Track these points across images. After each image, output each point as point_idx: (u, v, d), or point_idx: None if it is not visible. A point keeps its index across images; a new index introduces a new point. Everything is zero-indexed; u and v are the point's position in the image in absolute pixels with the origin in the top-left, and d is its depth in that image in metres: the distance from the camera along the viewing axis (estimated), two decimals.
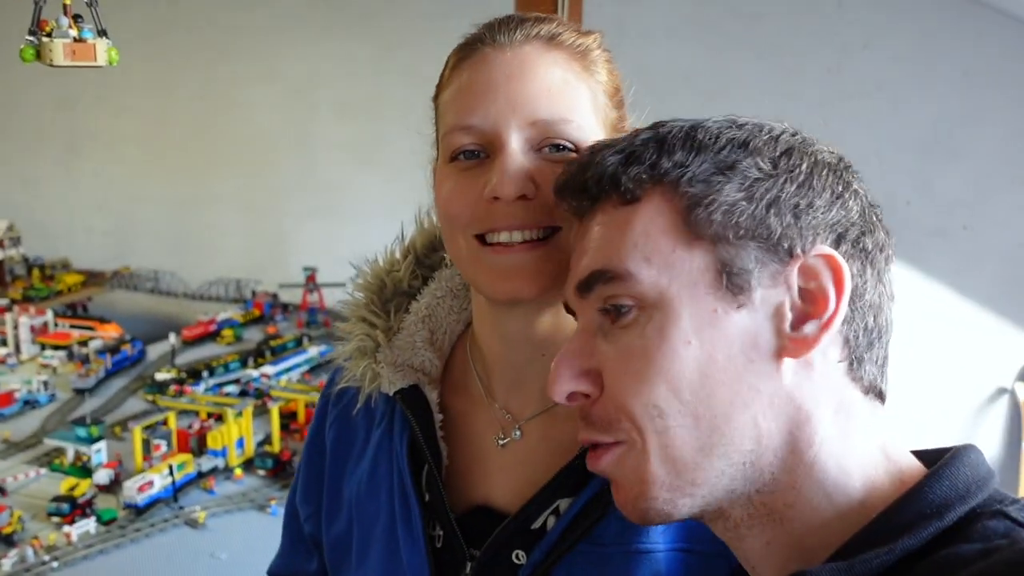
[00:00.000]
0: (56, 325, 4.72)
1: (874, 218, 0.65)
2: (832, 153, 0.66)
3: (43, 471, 3.22)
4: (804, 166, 0.63)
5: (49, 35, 1.00)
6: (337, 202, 5.28)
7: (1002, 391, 3.56)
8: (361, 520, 0.94)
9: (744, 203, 0.61)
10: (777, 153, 0.63)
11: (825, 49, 3.70)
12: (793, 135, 0.65)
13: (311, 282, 5.05)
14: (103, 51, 1.02)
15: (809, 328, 0.60)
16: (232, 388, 3.98)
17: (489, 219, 0.78)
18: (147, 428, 3.37)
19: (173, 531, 2.83)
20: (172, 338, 4.41)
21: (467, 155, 0.80)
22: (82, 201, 6.15)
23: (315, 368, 4.25)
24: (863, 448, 0.62)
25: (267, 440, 3.43)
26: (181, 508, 2.94)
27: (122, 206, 6.02)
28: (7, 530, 2.73)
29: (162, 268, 5.78)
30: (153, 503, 2.92)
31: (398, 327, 0.94)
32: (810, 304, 0.60)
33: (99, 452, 3.22)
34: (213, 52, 5.55)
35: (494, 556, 0.83)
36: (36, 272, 5.88)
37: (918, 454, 0.65)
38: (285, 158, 5.47)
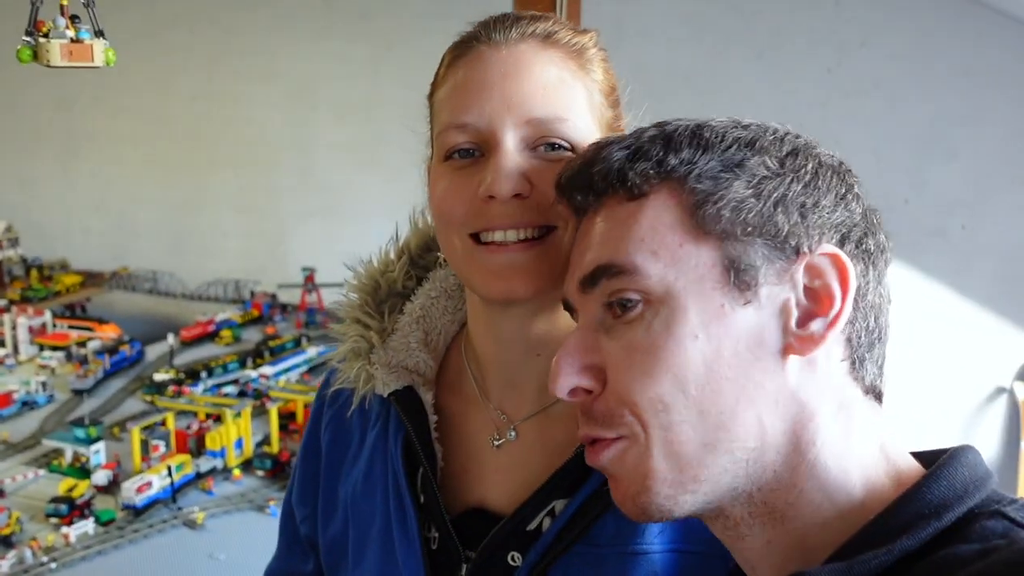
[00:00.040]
0: (54, 326, 4.71)
1: (875, 220, 0.65)
2: (833, 156, 0.66)
3: (41, 472, 3.22)
4: (810, 166, 0.64)
5: (46, 36, 1.00)
6: (336, 202, 5.28)
7: (1001, 390, 3.56)
8: (357, 521, 0.93)
9: (752, 200, 0.61)
10: (783, 153, 0.64)
11: (823, 48, 3.71)
12: (796, 137, 0.66)
13: (310, 282, 5.05)
14: (100, 52, 1.02)
15: (815, 326, 0.60)
16: (231, 389, 3.98)
17: (484, 218, 0.78)
18: (145, 429, 3.36)
19: (172, 532, 2.83)
20: (170, 339, 4.40)
21: (462, 154, 0.80)
22: (80, 201, 6.14)
23: (314, 368, 4.24)
24: (863, 448, 0.62)
25: (266, 441, 3.43)
26: (180, 509, 2.93)
27: (120, 206, 6.02)
28: (5, 531, 2.73)
29: (160, 269, 5.78)
30: (152, 504, 2.92)
31: (392, 328, 0.94)
32: (815, 303, 0.61)
33: (97, 453, 3.22)
34: (211, 52, 5.55)
35: (489, 558, 0.83)
36: (34, 273, 5.87)
37: (916, 455, 0.65)
38: (284, 158, 5.47)
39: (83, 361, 4.26)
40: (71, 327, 4.70)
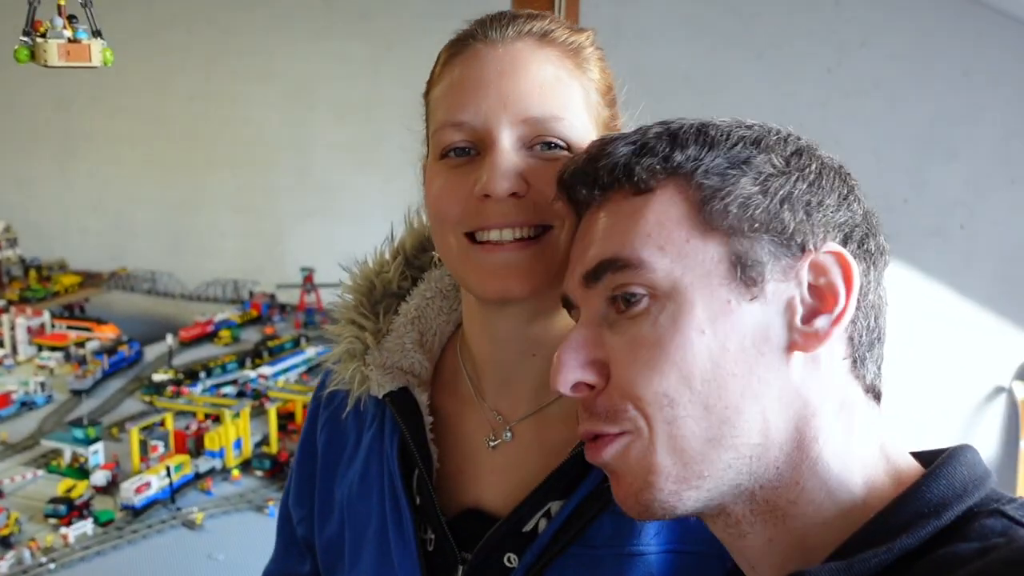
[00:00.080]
0: (53, 326, 4.70)
1: (874, 222, 0.66)
2: (832, 159, 0.67)
3: (40, 472, 3.21)
4: (813, 167, 0.64)
5: (44, 36, 1.00)
6: (335, 202, 5.27)
7: (1000, 390, 3.56)
8: (353, 523, 0.93)
9: (759, 197, 0.61)
10: (788, 152, 0.65)
11: (823, 48, 3.70)
12: (798, 138, 0.67)
13: (308, 283, 5.05)
14: (98, 52, 1.02)
15: (820, 323, 0.60)
16: (229, 389, 3.98)
17: (480, 217, 0.78)
18: (144, 429, 3.36)
19: (171, 532, 2.82)
20: (169, 339, 4.40)
21: (457, 152, 0.80)
22: (78, 202, 6.14)
23: (313, 369, 4.24)
24: (863, 447, 0.62)
25: (265, 441, 3.43)
26: (179, 509, 2.93)
27: (118, 207, 6.01)
28: (4, 532, 2.72)
29: (159, 269, 5.77)
30: (150, 504, 2.91)
31: (387, 329, 0.94)
32: (819, 300, 0.61)
33: (96, 453, 3.21)
34: (209, 52, 5.55)
35: (486, 559, 0.82)
36: (33, 273, 5.86)
37: (915, 455, 0.66)
38: (282, 158, 5.46)
39: (82, 361, 4.26)
40: (70, 327, 4.69)
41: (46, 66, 1.00)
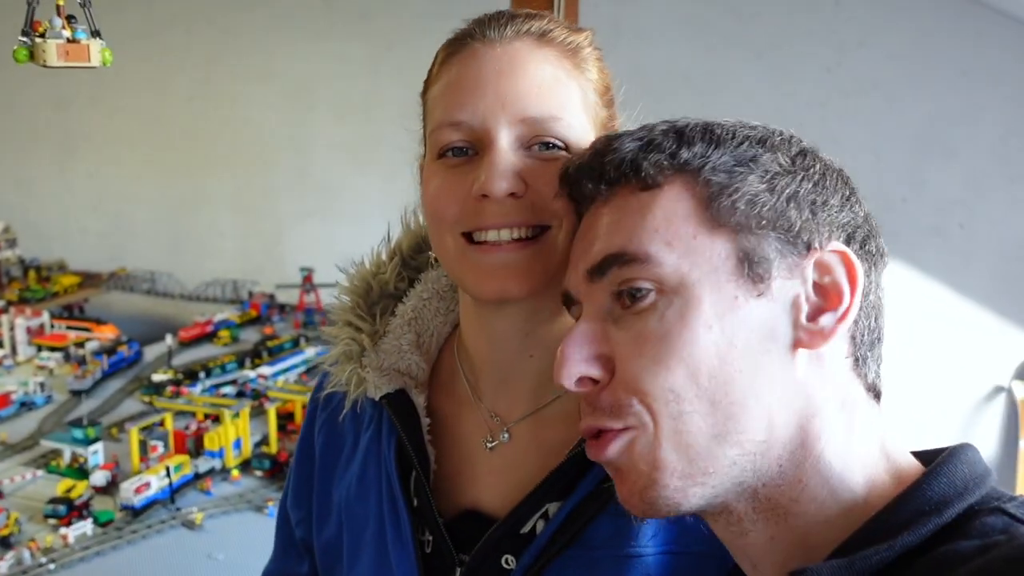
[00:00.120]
0: (52, 327, 4.70)
1: (874, 225, 0.67)
2: (834, 161, 0.68)
3: (40, 473, 3.21)
4: (818, 167, 0.65)
5: (42, 36, 1.00)
6: (334, 202, 5.27)
7: (999, 389, 3.56)
8: (351, 525, 0.93)
9: (766, 195, 0.62)
10: (793, 152, 0.65)
11: (822, 48, 3.71)
12: (800, 140, 0.67)
13: (308, 283, 5.05)
14: (97, 52, 1.02)
15: (825, 320, 0.61)
16: (229, 389, 3.97)
17: (477, 217, 0.77)
18: (144, 429, 3.36)
19: (170, 532, 2.82)
20: (169, 339, 4.39)
21: (455, 152, 0.79)
22: (77, 202, 6.13)
23: (312, 369, 4.24)
24: (865, 445, 0.63)
25: (264, 441, 3.42)
26: (178, 509, 2.93)
27: (118, 207, 6.01)
28: (4, 532, 2.72)
29: (158, 269, 5.77)
30: (150, 504, 2.91)
31: (384, 330, 0.93)
32: (823, 298, 0.62)
33: (96, 454, 3.21)
34: (209, 53, 5.54)
35: (483, 561, 0.82)
36: (32, 274, 5.86)
37: (915, 454, 0.66)
38: (282, 158, 5.46)
39: (81, 362, 4.25)
40: (69, 328, 4.69)
41: (45, 66, 1.00)
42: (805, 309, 0.61)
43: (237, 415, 3.32)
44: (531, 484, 0.83)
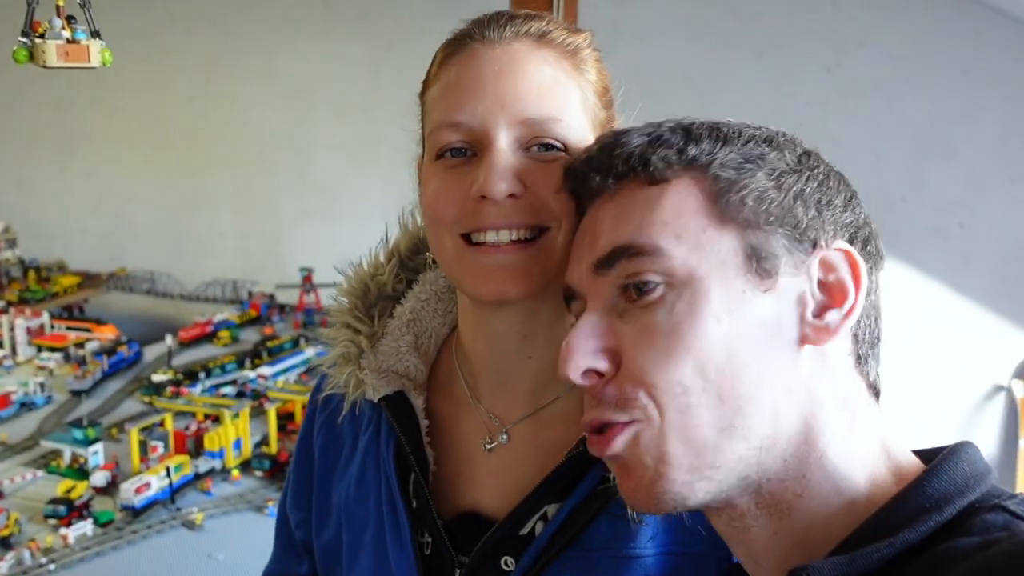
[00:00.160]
0: (52, 327, 4.70)
1: (874, 227, 0.68)
2: (834, 165, 0.69)
3: (40, 473, 3.21)
4: (822, 168, 0.66)
5: (42, 36, 1.00)
6: (334, 202, 5.27)
7: (999, 388, 3.56)
8: (350, 527, 0.93)
9: (774, 192, 0.63)
10: (798, 153, 0.66)
11: (822, 48, 3.71)
12: (802, 142, 0.68)
13: (307, 283, 5.04)
14: (96, 52, 1.02)
15: (831, 317, 0.61)
16: (229, 389, 3.97)
17: (476, 218, 0.77)
18: (144, 430, 3.36)
19: (170, 533, 2.82)
20: (168, 339, 4.39)
21: (454, 153, 0.79)
22: (77, 202, 6.13)
23: (312, 369, 4.24)
24: (866, 442, 0.63)
25: (264, 441, 3.42)
26: (178, 510, 2.93)
27: (117, 207, 6.00)
28: (4, 532, 2.72)
29: (158, 269, 5.77)
30: (150, 505, 2.91)
31: (382, 332, 0.93)
32: (828, 296, 0.62)
33: (96, 454, 3.21)
34: (208, 53, 5.54)
35: (482, 562, 0.82)
36: (32, 274, 5.86)
37: (916, 453, 0.66)
38: (281, 158, 5.46)
39: (81, 362, 4.25)
40: (69, 328, 4.69)
41: (45, 67, 1.00)
42: (811, 306, 0.62)
43: (237, 415, 3.32)
44: (530, 485, 0.82)
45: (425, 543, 0.86)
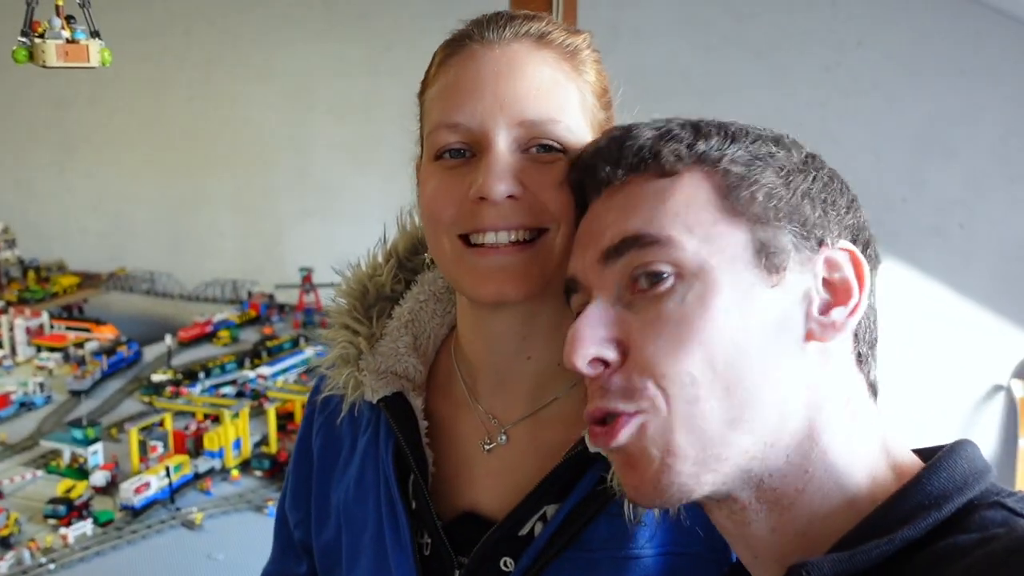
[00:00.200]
0: (52, 327, 4.70)
1: (871, 232, 0.69)
2: (835, 169, 0.70)
3: (39, 473, 3.21)
4: (826, 170, 0.67)
5: (42, 36, 1.00)
6: (334, 202, 5.27)
7: (998, 388, 3.57)
8: (350, 528, 0.93)
9: (783, 189, 0.64)
10: (804, 153, 0.68)
11: (821, 48, 3.71)
12: (804, 145, 0.70)
13: (307, 283, 5.05)
14: (96, 52, 1.02)
15: (836, 314, 0.62)
16: (228, 389, 3.97)
17: (475, 219, 0.77)
18: (143, 430, 3.36)
19: (170, 532, 2.82)
20: (168, 339, 4.39)
21: (452, 154, 0.79)
22: (77, 202, 6.13)
23: (312, 369, 4.24)
24: (866, 440, 0.64)
25: (264, 441, 3.42)
26: (178, 509, 2.93)
27: (117, 207, 6.00)
28: (4, 532, 2.72)
29: (158, 269, 5.77)
30: (150, 504, 2.91)
31: (381, 333, 0.93)
32: (832, 294, 0.63)
33: (95, 454, 3.21)
34: (208, 53, 5.54)
35: (482, 563, 0.82)
36: (31, 274, 5.86)
37: (915, 451, 0.67)
38: (281, 158, 5.46)
39: (81, 362, 4.25)
40: (68, 328, 4.69)
41: (44, 67, 1.00)
42: (816, 303, 0.62)
43: (237, 415, 3.32)
44: (529, 486, 0.82)
45: (424, 544, 0.86)
